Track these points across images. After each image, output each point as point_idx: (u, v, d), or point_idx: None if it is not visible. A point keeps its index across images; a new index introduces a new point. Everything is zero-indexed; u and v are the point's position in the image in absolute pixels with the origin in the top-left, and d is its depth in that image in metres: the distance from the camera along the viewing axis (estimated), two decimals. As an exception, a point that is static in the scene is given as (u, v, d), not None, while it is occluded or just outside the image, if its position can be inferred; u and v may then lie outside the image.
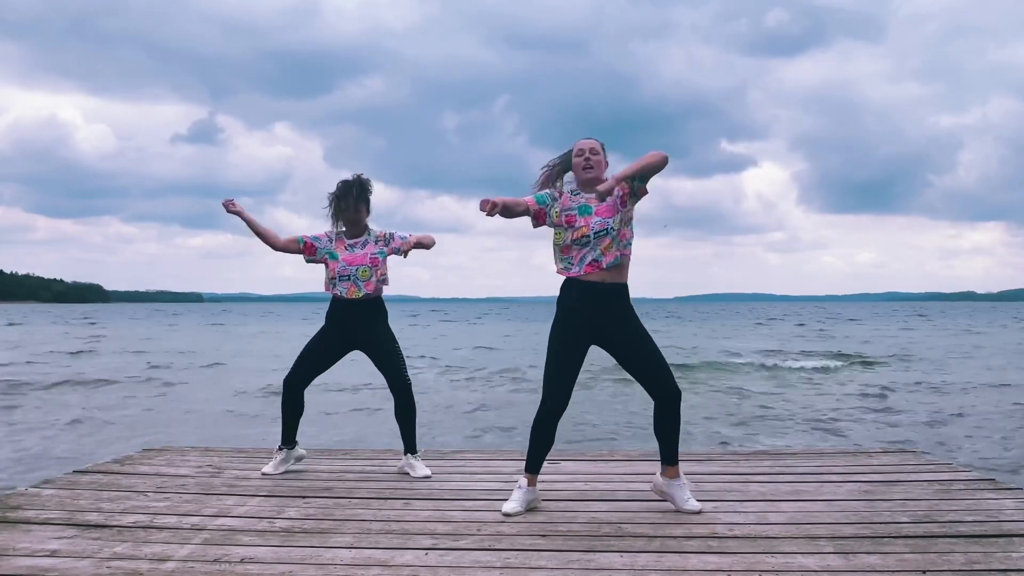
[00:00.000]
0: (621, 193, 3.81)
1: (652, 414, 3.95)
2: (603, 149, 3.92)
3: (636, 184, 3.81)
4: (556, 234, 3.88)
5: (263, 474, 4.67)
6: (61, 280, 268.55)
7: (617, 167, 3.90)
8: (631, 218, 3.88)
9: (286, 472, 4.75)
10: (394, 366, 4.69)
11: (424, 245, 4.80)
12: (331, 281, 4.67)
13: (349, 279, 4.62)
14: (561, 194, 3.90)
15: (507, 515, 3.79)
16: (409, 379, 4.75)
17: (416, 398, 4.80)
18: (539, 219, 3.88)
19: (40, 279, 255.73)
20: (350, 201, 4.60)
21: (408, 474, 4.70)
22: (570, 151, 3.94)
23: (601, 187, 3.66)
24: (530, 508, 3.89)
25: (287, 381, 4.73)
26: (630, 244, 3.87)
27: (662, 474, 3.96)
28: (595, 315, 3.83)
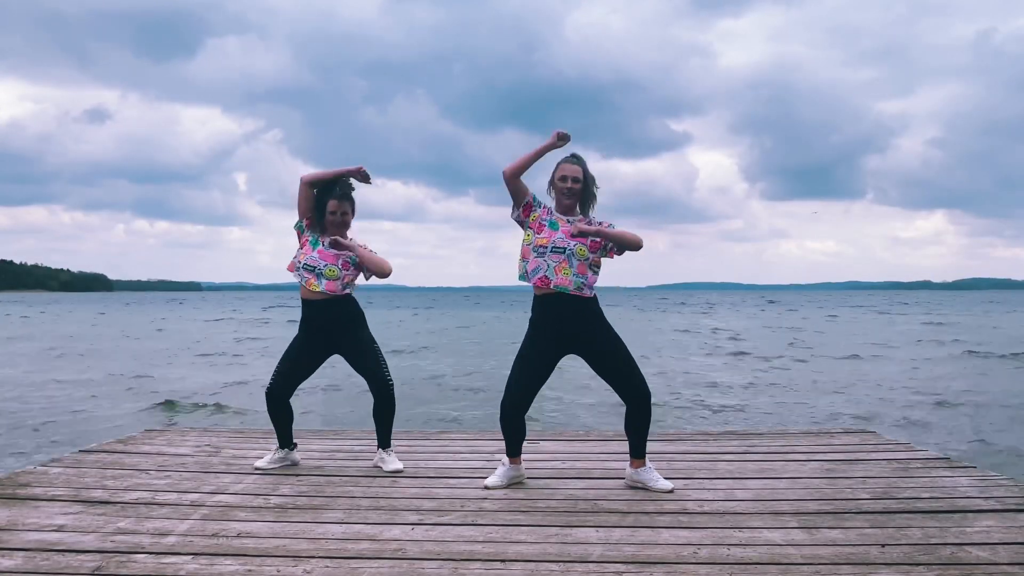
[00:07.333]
0: (592, 241, 3.90)
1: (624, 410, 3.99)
2: (584, 172, 3.96)
3: (609, 245, 3.93)
4: (526, 236, 3.97)
5: (255, 468, 4.34)
6: (68, 270, 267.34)
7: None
8: (598, 264, 3.95)
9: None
10: (374, 364, 4.29)
11: (374, 272, 4.29)
12: (296, 264, 4.29)
13: (314, 271, 4.22)
14: (543, 207, 4.00)
15: (488, 488, 3.88)
16: (390, 378, 4.32)
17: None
18: (524, 210, 3.97)
19: (48, 269, 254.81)
20: (341, 199, 4.27)
21: (380, 467, 4.36)
22: (554, 171, 3.99)
23: (583, 225, 3.84)
24: (513, 483, 3.97)
25: (268, 393, 4.32)
26: (587, 279, 3.88)
27: (631, 466, 3.99)
28: (563, 330, 3.88)
